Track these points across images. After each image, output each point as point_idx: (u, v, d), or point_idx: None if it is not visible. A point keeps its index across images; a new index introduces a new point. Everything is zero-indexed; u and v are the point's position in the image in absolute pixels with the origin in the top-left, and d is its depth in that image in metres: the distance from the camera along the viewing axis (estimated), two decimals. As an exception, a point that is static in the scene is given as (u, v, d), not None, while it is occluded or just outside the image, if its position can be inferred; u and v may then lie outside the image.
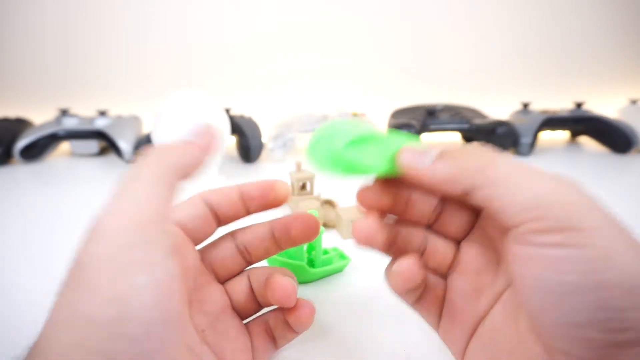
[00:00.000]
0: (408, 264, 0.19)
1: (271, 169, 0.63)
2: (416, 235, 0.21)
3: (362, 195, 0.20)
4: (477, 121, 0.71)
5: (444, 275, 0.21)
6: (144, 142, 0.65)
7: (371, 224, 0.19)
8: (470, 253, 0.20)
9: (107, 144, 0.69)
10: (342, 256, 0.34)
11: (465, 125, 0.71)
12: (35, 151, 0.68)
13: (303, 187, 0.45)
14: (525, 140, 0.68)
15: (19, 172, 0.65)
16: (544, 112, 0.72)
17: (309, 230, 0.23)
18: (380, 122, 0.77)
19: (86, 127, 0.69)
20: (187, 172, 0.18)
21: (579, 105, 0.73)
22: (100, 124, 0.69)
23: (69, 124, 0.69)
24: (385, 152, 0.18)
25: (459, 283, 0.20)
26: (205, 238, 0.22)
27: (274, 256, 0.31)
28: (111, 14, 0.83)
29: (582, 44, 0.88)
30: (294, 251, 0.30)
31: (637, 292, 0.13)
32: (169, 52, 0.86)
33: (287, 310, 0.22)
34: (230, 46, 0.86)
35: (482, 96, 0.85)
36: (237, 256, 0.23)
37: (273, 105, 0.86)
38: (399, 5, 0.86)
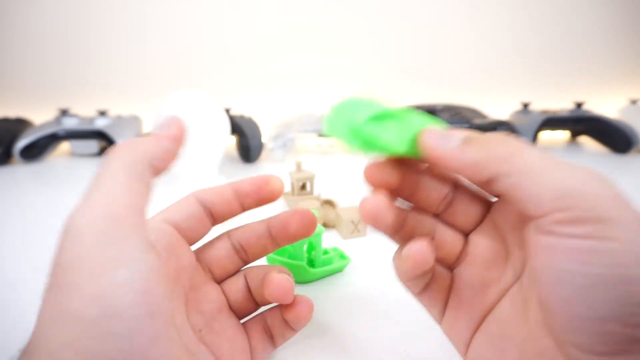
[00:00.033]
0: (420, 246, 0.18)
1: (271, 169, 0.64)
2: (425, 223, 0.20)
3: (370, 172, 0.19)
4: (477, 121, 0.71)
5: (451, 266, 0.20)
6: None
7: (379, 201, 0.18)
8: (479, 245, 0.19)
9: (107, 144, 0.69)
10: (342, 256, 0.34)
11: (465, 125, 0.71)
12: (35, 151, 0.69)
13: (303, 187, 0.45)
14: (525, 140, 0.68)
15: (19, 172, 0.65)
16: (544, 112, 0.72)
17: (307, 226, 0.23)
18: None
19: (86, 127, 0.69)
20: (158, 164, 0.17)
21: (579, 105, 0.73)
22: (100, 124, 0.69)
23: (69, 124, 0.69)
24: (406, 131, 0.18)
25: (466, 275, 0.20)
26: (201, 237, 0.22)
27: (274, 256, 0.31)
28: (111, 14, 0.83)
29: (582, 44, 0.88)
30: (294, 251, 0.30)
31: None
32: (169, 52, 0.86)
33: (285, 307, 0.22)
34: (230, 46, 0.86)
35: (482, 96, 0.85)
36: (234, 255, 0.23)
37: (273, 105, 0.86)
38: (399, 5, 0.86)
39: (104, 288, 0.14)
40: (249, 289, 0.23)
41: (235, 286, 0.23)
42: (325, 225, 0.41)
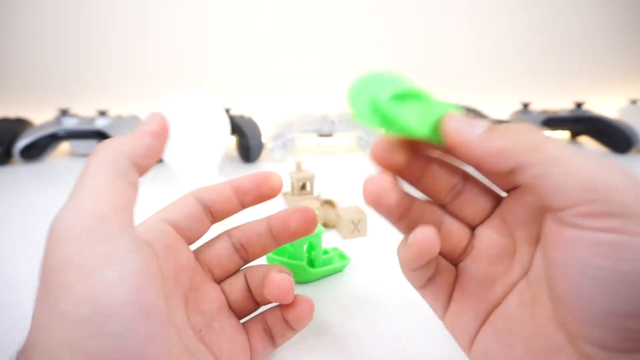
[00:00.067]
0: (426, 232, 0.17)
1: (271, 169, 0.63)
2: (431, 212, 0.20)
3: (377, 149, 0.18)
4: (477, 121, 0.71)
5: (456, 260, 0.20)
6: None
7: (383, 181, 0.17)
8: (486, 239, 0.19)
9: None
10: (342, 256, 0.34)
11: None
12: (35, 151, 0.69)
13: (303, 187, 0.45)
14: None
15: (19, 172, 0.65)
16: (544, 112, 0.72)
17: (307, 224, 0.22)
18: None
19: (86, 127, 0.69)
20: (141, 161, 0.17)
21: (579, 105, 0.73)
22: (100, 124, 0.69)
23: (69, 124, 0.69)
24: (428, 114, 0.17)
25: (472, 269, 0.19)
26: (200, 236, 0.22)
27: (274, 256, 0.31)
28: (111, 14, 0.83)
29: (582, 44, 0.88)
30: (294, 251, 0.30)
31: None
32: (169, 52, 0.86)
33: (286, 307, 0.22)
34: (230, 46, 0.86)
35: (482, 96, 0.85)
36: (234, 255, 0.23)
37: (273, 105, 0.86)
38: (399, 5, 0.86)
39: (95, 288, 0.14)
40: (249, 289, 0.23)
41: (235, 285, 0.23)
42: (325, 225, 0.41)
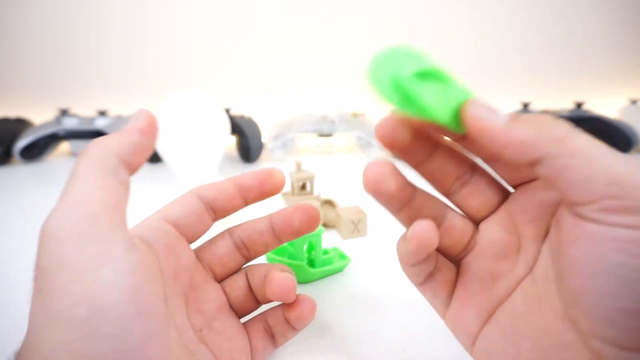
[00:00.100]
0: (424, 226, 0.17)
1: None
2: (434, 205, 0.19)
3: (383, 126, 0.18)
4: (477, 121, 0.71)
5: (459, 255, 0.20)
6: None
7: (383, 166, 0.17)
8: (490, 235, 0.19)
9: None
10: (342, 256, 0.34)
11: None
12: (35, 151, 0.69)
13: (303, 187, 0.45)
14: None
15: (19, 172, 0.65)
16: (544, 112, 0.72)
17: (310, 221, 0.22)
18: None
19: (86, 127, 0.69)
20: (129, 159, 0.17)
21: (579, 105, 0.73)
22: (100, 124, 0.69)
23: (69, 124, 0.69)
24: (449, 98, 0.16)
25: (475, 266, 0.19)
26: (201, 235, 0.22)
27: (274, 256, 0.31)
28: (111, 14, 0.83)
29: (582, 44, 0.88)
30: (294, 251, 0.30)
31: None
32: (169, 52, 0.86)
33: (288, 306, 0.22)
34: (230, 46, 0.86)
35: (482, 96, 0.85)
36: (235, 253, 0.23)
37: (273, 105, 0.86)
38: (399, 5, 0.86)
39: (89, 288, 0.14)
40: (249, 288, 0.23)
41: (236, 284, 0.23)
42: (325, 225, 0.41)
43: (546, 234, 0.17)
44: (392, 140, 0.18)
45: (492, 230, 0.19)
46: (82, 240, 0.14)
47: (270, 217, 0.23)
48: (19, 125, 0.72)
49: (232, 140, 0.69)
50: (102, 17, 0.83)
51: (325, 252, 0.33)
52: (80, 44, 0.84)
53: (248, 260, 0.24)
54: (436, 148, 0.19)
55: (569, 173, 0.14)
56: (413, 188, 0.19)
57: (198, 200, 0.22)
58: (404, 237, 0.18)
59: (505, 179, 0.19)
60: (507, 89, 0.89)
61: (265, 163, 0.67)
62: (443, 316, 0.20)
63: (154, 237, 0.19)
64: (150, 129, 0.18)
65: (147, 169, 0.65)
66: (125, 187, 0.17)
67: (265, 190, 0.22)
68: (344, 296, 0.30)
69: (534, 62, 0.89)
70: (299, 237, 0.23)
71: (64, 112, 0.72)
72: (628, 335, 0.14)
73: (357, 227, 0.39)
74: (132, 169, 0.17)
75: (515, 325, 0.17)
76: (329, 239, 0.38)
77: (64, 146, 0.75)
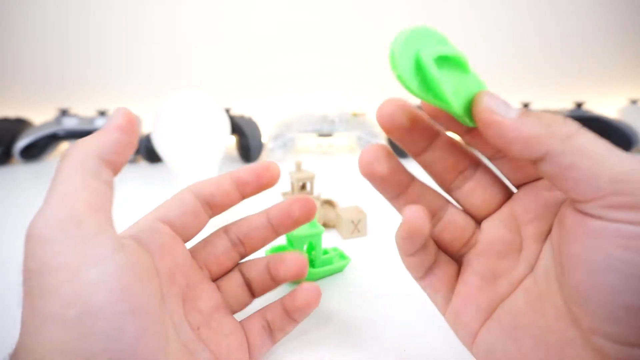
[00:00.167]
0: (415, 210, 0.17)
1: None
2: (433, 197, 0.20)
3: (384, 109, 0.18)
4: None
5: (459, 252, 0.20)
6: (144, 142, 0.65)
7: (376, 150, 0.18)
8: (492, 234, 0.19)
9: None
10: (342, 256, 0.34)
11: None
12: (35, 151, 0.69)
13: (303, 187, 0.45)
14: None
15: (19, 172, 0.65)
16: (544, 112, 0.72)
17: (308, 212, 0.23)
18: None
19: (86, 127, 0.69)
20: (111, 157, 0.17)
21: (579, 105, 0.73)
22: (100, 124, 0.69)
23: (69, 124, 0.69)
24: (464, 88, 0.16)
25: (477, 264, 0.19)
26: (197, 232, 0.22)
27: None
28: (111, 14, 0.83)
29: (582, 44, 0.88)
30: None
31: None
32: (169, 52, 0.86)
33: (293, 294, 0.22)
34: (230, 46, 0.86)
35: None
36: (232, 251, 0.23)
37: (273, 105, 0.86)
38: (399, 5, 0.86)
39: (79, 288, 0.14)
40: (244, 284, 0.23)
41: (232, 281, 0.23)
42: (325, 225, 0.41)
43: (548, 233, 0.18)
44: (392, 124, 0.18)
45: (494, 229, 0.19)
46: (68, 242, 0.14)
47: (267, 211, 0.24)
48: (19, 125, 0.72)
49: (232, 140, 0.69)
50: (102, 17, 0.83)
51: (325, 252, 0.33)
52: (80, 44, 0.84)
53: (243, 257, 0.24)
54: (436, 138, 0.19)
55: (575, 171, 0.14)
56: (410, 176, 0.19)
57: (194, 198, 0.22)
58: (399, 226, 0.19)
59: (509, 178, 0.19)
60: (507, 89, 0.88)
61: (265, 163, 0.67)
62: (443, 312, 0.20)
63: (148, 238, 0.20)
64: (129, 126, 0.17)
65: (147, 169, 0.65)
66: (109, 187, 0.17)
67: (262, 184, 0.23)
68: (344, 296, 0.30)
69: (534, 62, 0.89)
70: (297, 227, 0.24)
71: (64, 112, 0.72)
72: (630, 332, 0.14)
73: (357, 227, 0.39)
74: (115, 168, 0.17)
75: (517, 323, 0.17)
76: (329, 239, 0.38)
77: (64, 146, 0.75)
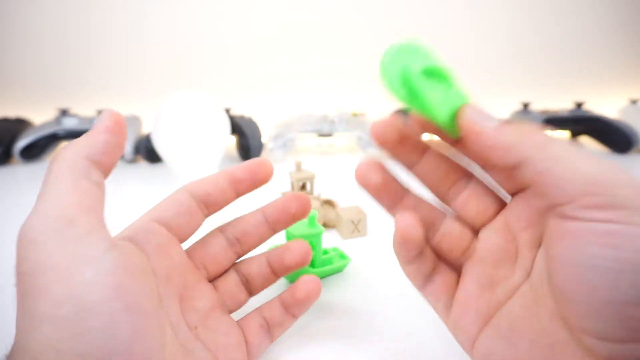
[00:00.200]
0: (406, 216, 0.18)
1: (271, 169, 0.63)
2: (428, 208, 0.21)
3: (376, 125, 0.20)
4: (477, 121, 0.70)
5: (458, 261, 0.20)
6: (144, 142, 0.65)
7: (371, 161, 0.20)
8: (489, 243, 0.19)
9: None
10: (342, 256, 0.34)
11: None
12: (35, 151, 0.69)
13: (303, 187, 0.45)
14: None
15: (19, 172, 0.65)
16: (544, 112, 0.72)
17: (305, 207, 0.24)
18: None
19: (86, 127, 0.69)
20: (100, 158, 0.17)
21: (579, 105, 0.73)
22: (100, 124, 0.69)
23: (69, 124, 0.69)
24: (449, 100, 0.18)
25: (475, 272, 0.20)
26: (193, 232, 0.23)
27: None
28: (111, 14, 0.83)
29: (582, 44, 0.88)
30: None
31: None
32: (169, 52, 0.86)
33: (295, 286, 0.23)
34: (230, 46, 0.86)
35: (482, 96, 0.85)
36: (228, 250, 0.23)
37: (273, 105, 0.86)
38: (399, 5, 0.86)
39: (72, 288, 0.14)
40: (240, 282, 0.23)
41: (228, 281, 0.23)
42: (325, 225, 0.41)
43: (541, 240, 0.18)
44: (384, 138, 0.19)
45: (490, 238, 0.19)
46: (60, 243, 0.15)
47: (262, 209, 0.24)
48: (19, 125, 0.72)
49: (232, 140, 0.69)
50: (102, 17, 0.83)
51: (325, 252, 0.33)
52: (80, 44, 0.84)
53: (240, 256, 0.24)
54: (426, 150, 0.20)
55: (550, 175, 0.15)
56: (403, 188, 0.21)
57: (189, 197, 0.22)
58: (394, 234, 0.19)
59: (503, 187, 0.20)
60: (507, 89, 0.89)
61: (265, 163, 0.67)
62: (445, 320, 0.21)
63: (144, 239, 0.20)
64: (117, 127, 0.18)
65: (147, 169, 0.65)
66: (100, 188, 0.17)
67: (257, 181, 0.23)
68: (344, 296, 0.30)
69: (534, 62, 0.89)
70: (293, 223, 0.24)
71: (64, 112, 0.72)
72: (614, 327, 0.14)
73: (357, 227, 0.39)
74: (105, 168, 0.17)
75: (513, 327, 0.18)
76: (329, 239, 0.38)
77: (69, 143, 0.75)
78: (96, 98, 0.83)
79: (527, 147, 0.16)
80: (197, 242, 0.23)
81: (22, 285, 0.15)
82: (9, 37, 0.83)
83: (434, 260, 0.20)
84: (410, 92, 0.18)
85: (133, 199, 0.52)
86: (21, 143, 0.66)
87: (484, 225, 0.20)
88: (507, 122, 0.17)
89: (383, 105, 0.18)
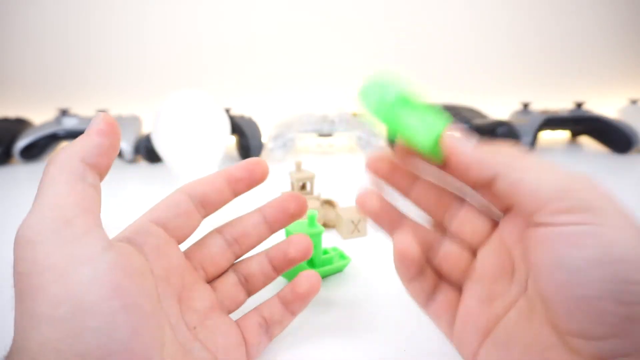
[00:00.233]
0: (402, 235, 0.20)
1: (271, 169, 0.63)
2: (425, 231, 0.22)
3: (370, 157, 0.22)
4: (477, 121, 0.71)
5: (459, 280, 0.21)
6: (144, 142, 0.65)
7: (369, 190, 0.22)
8: (487, 262, 0.20)
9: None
10: (342, 256, 0.34)
11: (465, 125, 0.71)
12: (35, 151, 0.69)
13: (303, 187, 0.45)
14: (525, 140, 0.68)
15: (19, 172, 0.65)
16: (544, 112, 0.72)
17: (302, 206, 0.24)
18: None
19: (86, 127, 0.69)
20: (94, 161, 0.17)
21: (579, 105, 0.73)
22: (100, 124, 0.69)
23: (69, 124, 0.69)
24: (428, 127, 0.19)
25: (475, 289, 0.21)
26: (190, 233, 0.23)
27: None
28: (111, 14, 0.83)
29: (582, 44, 0.88)
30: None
31: None
32: (169, 52, 0.86)
33: (295, 283, 0.23)
34: (230, 46, 0.86)
35: (482, 96, 0.85)
36: (227, 251, 0.23)
37: (273, 105, 0.86)
38: (399, 5, 0.86)
39: (70, 287, 0.14)
40: (239, 283, 0.24)
41: (226, 281, 0.23)
42: (325, 225, 0.41)
43: None
44: (377, 170, 0.22)
45: (487, 257, 0.21)
46: (57, 243, 0.15)
47: (260, 209, 0.24)
48: (19, 125, 0.72)
49: (232, 140, 0.69)
50: (102, 17, 0.83)
51: (325, 252, 0.33)
52: (80, 44, 0.84)
53: (238, 256, 0.24)
54: (416, 180, 0.22)
55: (521, 186, 0.17)
56: (400, 213, 0.22)
57: (187, 198, 0.22)
58: (393, 253, 0.21)
59: (494, 205, 0.21)
60: (507, 89, 0.89)
61: (265, 163, 0.67)
62: (450, 337, 0.21)
63: (142, 240, 0.20)
64: (110, 129, 0.18)
65: (147, 169, 0.65)
66: (96, 189, 0.17)
67: (253, 180, 0.23)
68: (344, 296, 0.30)
69: (534, 62, 0.89)
70: (291, 223, 0.25)
71: (64, 112, 0.72)
72: (593, 324, 0.15)
73: (357, 227, 0.39)
74: (100, 170, 0.18)
75: (509, 336, 0.19)
76: (329, 239, 0.38)
77: (64, 146, 0.75)
78: (96, 98, 0.83)
79: (500, 162, 0.18)
80: (195, 244, 0.24)
81: (20, 286, 0.15)
82: (9, 37, 0.83)
83: (435, 279, 0.22)
84: (391, 121, 0.19)
85: (133, 199, 0.52)
86: (21, 143, 0.66)
87: (480, 245, 0.21)
88: (483, 143, 0.19)
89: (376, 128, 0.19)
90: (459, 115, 0.73)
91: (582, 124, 0.73)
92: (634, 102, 0.77)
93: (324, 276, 0.32)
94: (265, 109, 0.82)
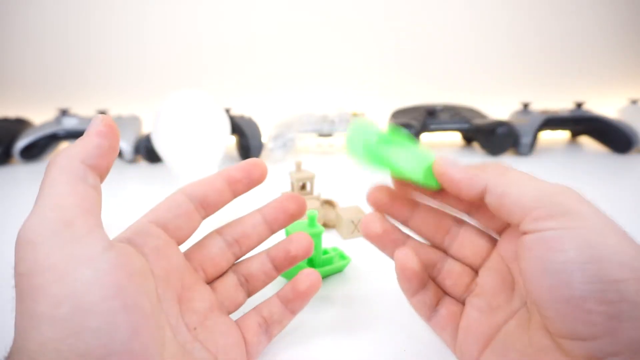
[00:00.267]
0: (402, 251, 0.21)
1: (271, 169, 0.63)
2: (427, 251, 0.23)
3: (370, 192, 0.23)
4: (477, 121, 0.71)
5: (462, 296, 0.22)
6: (144, 142, 0.65)
7: (372, 215, 0.23)
8: (487, 279, 0.22)
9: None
10: (342, 256, 0.34)
11: (465, 125, 0.71)
12: (35, 151, 0.69)
13: (303, 187, 0.45)
14: (525, 140, 0.68)
15: (19, 172, 0.65)
16: (544, 112, 0.72)
17: (301, 207, 0.25)
18: (381, 122, 0.76)
19: (86, 127, 0.69)
20: (94, 162, 0.17)
21: (579, 105, 0.73)
22: (100, 124, 0.69)
23: (69, 124, 0.69)
24: (416, 160, 0.21)
25: (477, 303, 0.21)
26: (190, 234, 0.23)
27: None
28: (111, 14, 0.83)
29: (582, 44, 0.88)
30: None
31: (626, 267, 0.15)
32: (169, 52, 0.86)
33: (295, 281, 0.23)
34: (230, 46, 0.86)
35: (482, 96, 0.85)
36: (227, 252, 0.24)
37: (273, 105, 0.86)
38: (399, 5, 0.86)
39: (70, 287, 0.14)
40: (239, 284, 0.24)
41: (226, 282, 0.23)
42: (325, 225, 0.41)
43: None
44: (376, 202, 0.23)
45: (488, 275, 0.22)
46: (58, 244, 0.15)
47: (260, 210, 0.24)
48: (19, 125, 0.72)
49: (232, 140, 0.69)
50: (102, 17, 0.83)
51: (325, 252, 0.33)
52: (80, 44, 0.84)
53: (238, 257, 0.24)
54: (415, 207, 0.23)
55: (506, 197, 0.18)
56: (403, 234, 0.23)
57: (187, 200, 0.22)
58: (395, 269, 0.22)
59: (490, 228, 0.22)
60: (507, 89, 0.89)
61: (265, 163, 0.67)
62: (453, 349, 0.22)
63: (142, 241, 0.20)
64: (109, 131, 0.18)
65: (147, 169, 0.65)
66: (97, 190, 0.17)
67: (253, 180, 0.24)
68: (344, 296, 0.30)
69: (534, 62, 0.89)
70: (291, 223, 0.25)
71: (64, 112, 0.72)
72: (580, 324, 0.15)
73: (357, 227, 0.39)
74: (101, 171, 0.18)
75: (507, 343, 0.19)
76: (329, 239, 0.38)
77: (64, 146, 0.75)
78: (96, 98, 0.83)
79: (487, 177, 0.19)
80: (195, 245, 0.24)
81: (20, 286, 0.15)
82: (9, 37, 0.83)
83: (438, 293, 0.23)
84: (381, 161, 0.21)
85: (133, 199, 0.52)
86: (21, 143, 0.66)
87: (481, 264, 0.22)
88: (472, 163, 0.21)
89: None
90: (459, 115, 0.73)
91: (582, 124, 0.73)
92: (634, 102, 0.77)
93: (324, 276, 0.32)
94: (265, 109, 0.82)
